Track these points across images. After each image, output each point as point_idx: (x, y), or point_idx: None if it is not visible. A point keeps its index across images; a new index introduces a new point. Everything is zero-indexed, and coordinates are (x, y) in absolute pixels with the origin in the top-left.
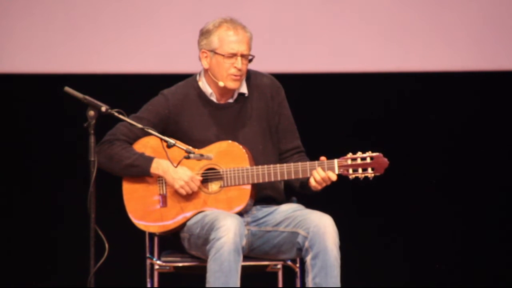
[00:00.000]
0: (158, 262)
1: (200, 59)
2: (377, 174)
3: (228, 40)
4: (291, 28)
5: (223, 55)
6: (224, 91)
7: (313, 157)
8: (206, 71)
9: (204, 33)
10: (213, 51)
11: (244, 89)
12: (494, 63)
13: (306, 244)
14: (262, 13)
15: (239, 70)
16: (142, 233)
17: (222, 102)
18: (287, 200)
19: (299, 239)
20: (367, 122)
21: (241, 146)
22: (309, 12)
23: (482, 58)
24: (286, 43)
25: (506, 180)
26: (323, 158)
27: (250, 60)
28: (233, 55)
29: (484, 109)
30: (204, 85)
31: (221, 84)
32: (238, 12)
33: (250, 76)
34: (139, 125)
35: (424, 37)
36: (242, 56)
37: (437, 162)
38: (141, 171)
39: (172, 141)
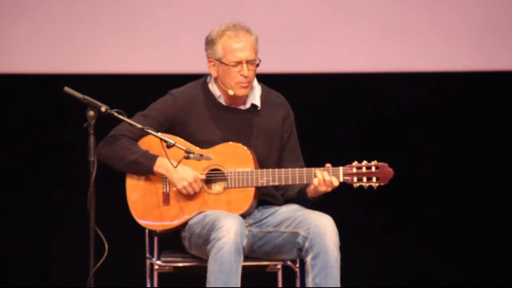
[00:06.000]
0: (158, 262)
1: (208, 67)
2: (382, 184)
3: (232, 48)
4: (291, 28)
5: (228, 64)
6: (234, 98)
7: (314, 159)
8: (215, 79)
9: (209, 43)
10: (219, 60)
11: (257, 101)
12: (494, 63)
13: (306, 244)
14: (262, 13)
15: (246, 77)
16: (142, 233)
17: (232, 106)
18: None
19: (299, 239)
20: (367, 122)
21: (246, 149)
22: (309, 12)
23: (482, 58)
24: (286, 43)
25: (507, 180)
26: (328, 165)
27: (257, 65)
28: (238, 63)
29: (484, 109)
30: (213, 87)
31: (230, 92)
32: (239, 12)
33: (263, 92)
34: (139, 126)
35: (424, 37)
36: (248, 62)
37: (437, 162)
38: (144, 168)
39: (171, 141)
